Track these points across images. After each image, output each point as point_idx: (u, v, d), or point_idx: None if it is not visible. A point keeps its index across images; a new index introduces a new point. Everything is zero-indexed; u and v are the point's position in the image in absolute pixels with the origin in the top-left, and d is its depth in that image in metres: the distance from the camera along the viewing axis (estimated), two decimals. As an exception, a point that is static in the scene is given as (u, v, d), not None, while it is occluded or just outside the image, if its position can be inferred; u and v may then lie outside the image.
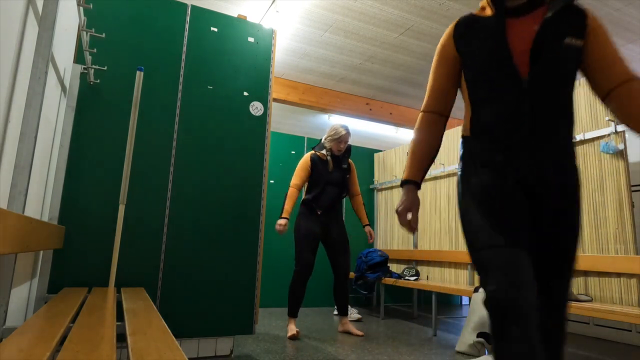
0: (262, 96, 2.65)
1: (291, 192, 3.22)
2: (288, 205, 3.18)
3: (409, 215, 1.18)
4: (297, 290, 3.17)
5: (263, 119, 2.63)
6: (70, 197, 2.08)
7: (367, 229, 3.45)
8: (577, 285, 2.90)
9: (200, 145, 2.43)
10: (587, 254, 2.87)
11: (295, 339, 2.98)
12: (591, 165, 2.89)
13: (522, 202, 1.06)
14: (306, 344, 2.85)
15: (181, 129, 2.39)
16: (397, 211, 1.19)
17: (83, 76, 2.16)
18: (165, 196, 2.30)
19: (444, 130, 1.27)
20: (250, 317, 2.42)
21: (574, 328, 3.60)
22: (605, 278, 2.73)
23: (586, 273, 2.85)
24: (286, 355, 2.52)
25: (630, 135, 2.98)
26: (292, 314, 3.15)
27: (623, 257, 2.60)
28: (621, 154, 2.71)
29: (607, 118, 2.82)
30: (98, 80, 2.20)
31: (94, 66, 2.12)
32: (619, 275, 2.66)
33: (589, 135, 2.90)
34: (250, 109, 2.61)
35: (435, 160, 4.30)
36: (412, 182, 1.22)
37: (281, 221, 3.14)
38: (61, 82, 1.96)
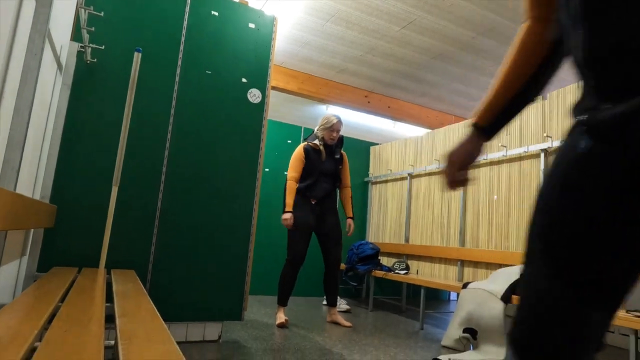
0: (261, 84, 2.63)
1: (290, 185, 3.23)
2: (290, 199, 3.19)
3: (451, 169, 0.89)
4: (288, 279, 3.19)
5: (261, 107, 2.61)
6: (63, 176, 2.07)
7: (349, 221, 3.47)
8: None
9: (196, 130, 2.42)
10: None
11: (283, 327, 3.00)
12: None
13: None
14: (294, 332, 2.88)
15: (177, 112, 2.37)
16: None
17: (80, 54, 2.13)
18: (159, 180, 2.29)
19: (549, 48, 0.80)
20: (240, 303, 2.43)
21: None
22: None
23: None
24: (274, 342, 2.54)
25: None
26: (282, 303, 3.17)
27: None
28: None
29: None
30: (95, 59, 2.18)
31: (91, 45, 2.09)
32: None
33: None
34: (248, 96, 2.59)
35: (430, 157, 4.32)
36: (474, 127, 0.88)
37: (286, 215, 3.15)
38: (57, 59, 1.94)
